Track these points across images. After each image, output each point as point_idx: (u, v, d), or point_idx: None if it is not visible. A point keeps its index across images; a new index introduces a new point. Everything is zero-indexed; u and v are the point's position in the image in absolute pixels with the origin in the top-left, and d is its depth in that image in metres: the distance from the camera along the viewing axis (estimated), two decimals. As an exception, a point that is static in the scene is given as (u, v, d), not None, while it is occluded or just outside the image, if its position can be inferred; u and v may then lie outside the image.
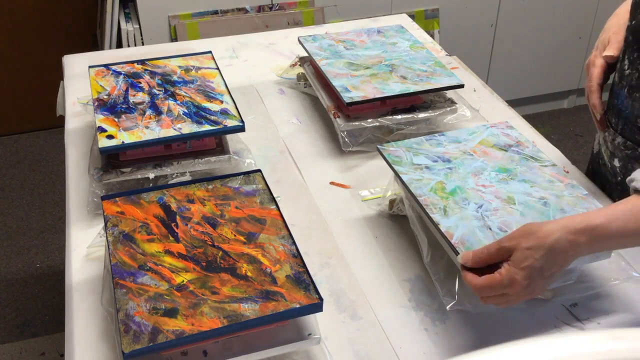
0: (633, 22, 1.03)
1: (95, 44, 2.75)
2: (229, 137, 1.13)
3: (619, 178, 1.11)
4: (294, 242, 0.85)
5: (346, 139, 1.19)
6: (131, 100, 1.13)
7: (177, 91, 1.16)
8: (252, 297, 0.76)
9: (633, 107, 1.03)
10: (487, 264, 0.81)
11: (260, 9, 2.50)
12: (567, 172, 0.97)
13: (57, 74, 1.53)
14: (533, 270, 0.78)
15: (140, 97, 1.14)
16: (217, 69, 1.23)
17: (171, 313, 0.74)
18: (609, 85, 1.13)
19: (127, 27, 2.39)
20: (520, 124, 1.29)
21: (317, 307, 0.76)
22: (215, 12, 2.45)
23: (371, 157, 1.20)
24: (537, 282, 0.79)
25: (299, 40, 1.36)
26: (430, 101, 1.24)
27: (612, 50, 1.07)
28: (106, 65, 1.22)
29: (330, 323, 0.88)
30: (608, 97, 1.15)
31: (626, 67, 1.04)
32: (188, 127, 1.06)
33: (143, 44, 2.40)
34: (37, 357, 1.99)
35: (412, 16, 2.06)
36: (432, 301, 0.92)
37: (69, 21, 2.82)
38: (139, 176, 1.06)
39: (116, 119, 1.08)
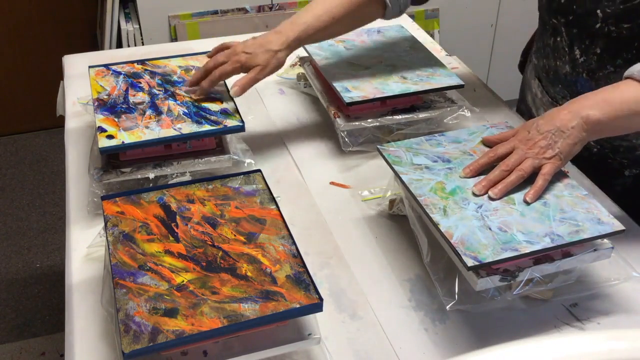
0: (571, 18, 1.10)
1: (95, 44, 2.75)
2: (229, 137, 1.13)
3: (595, 149, 1.19)
4: (294, 242, 0.85)
5: (346, 139, 1.19)
6: (131, 100, 1.13)
7: (177, 91, 1.16)
8: (252, 297, 0.76)
9: (598, 85, 1.10)
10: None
11: (260, 9, 2.50)
12: (567, 172, 0.97)
13: (57, 74, 1.53)
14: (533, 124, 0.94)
15: (140, 97, 1.14)
16: (217, 69, 1.23)
17: (171, 313, 0.74)
18: (551, 78, 1.20)
19: (127, 27, 2.39)
20: (520, 124, 1.28)
21: (317, 307, 0.76)
22: (215, 12, 2.46)
23: (371, 157, 1.20)
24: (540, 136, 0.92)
25: (299, 40, 1.36)
26: (431, 101, 1.24)
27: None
28: (106, 65, 1.22)
29: (330, 323, 0.88)
30: (553, 88, 1.22)
31: (578, 56, 1.12)
32: (188, 127, 1.06)
33: (143, 44, 2.40)
34: (37, 357, 1.99)
35: (412, 16, 2.06)
36: (432, 301, 0.92)
37: (69, 21, 2.81)
38: (139, 176, 1.06)
39: (116, 119, 1.08)
